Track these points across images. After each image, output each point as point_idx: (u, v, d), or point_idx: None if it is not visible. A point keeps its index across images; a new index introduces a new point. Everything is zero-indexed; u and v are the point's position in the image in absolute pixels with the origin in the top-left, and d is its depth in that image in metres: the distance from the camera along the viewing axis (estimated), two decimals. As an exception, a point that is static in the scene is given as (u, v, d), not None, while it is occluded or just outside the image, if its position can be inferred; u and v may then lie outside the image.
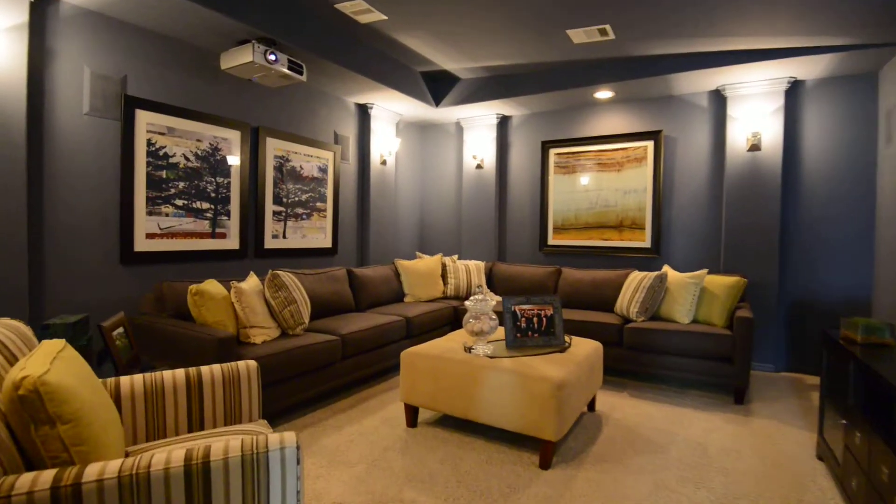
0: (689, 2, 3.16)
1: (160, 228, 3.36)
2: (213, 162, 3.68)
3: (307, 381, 3.00)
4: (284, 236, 4.24)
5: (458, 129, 5.83)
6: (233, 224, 3.82)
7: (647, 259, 4.78)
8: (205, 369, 1.77)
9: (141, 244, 3.27)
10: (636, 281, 4.04)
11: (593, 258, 5.05)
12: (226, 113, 3.79)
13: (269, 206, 4.11)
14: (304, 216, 4.43)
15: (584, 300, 4.49)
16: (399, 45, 4.14)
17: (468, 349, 2.88)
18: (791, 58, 3.73)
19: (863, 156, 4.00)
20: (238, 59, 3.35)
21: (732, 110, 4.32)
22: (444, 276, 4.90)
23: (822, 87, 4.12)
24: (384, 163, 5.24)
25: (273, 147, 4.13)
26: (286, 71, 3.49)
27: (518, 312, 3.07)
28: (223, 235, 3.76)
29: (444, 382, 2.75)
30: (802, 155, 4.20)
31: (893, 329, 2.25)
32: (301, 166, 4.39)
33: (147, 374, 1.67)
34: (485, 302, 2.90)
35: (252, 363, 1.85)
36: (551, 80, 4.63)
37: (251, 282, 3.11)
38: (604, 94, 4.65)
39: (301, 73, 3.60)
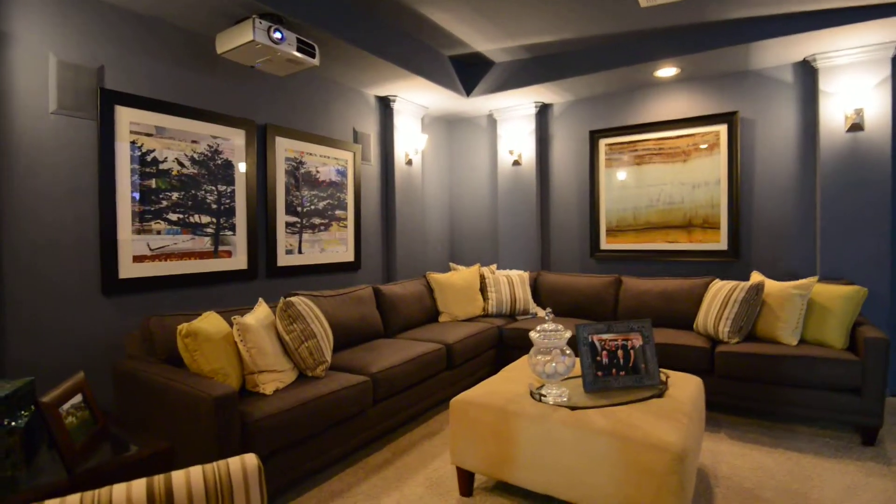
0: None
1: (150, 249, 2.78)
2: (212, 167, 3.09)
3: (332, 437, 2.38)
4: (300, 251, 3.64)
5: (491, 122, 5.18)
6: (239, 240, 3.23)
7: (724, 264, 4.06)
8: (177, 477, 1.14)
9: (127, 269, 2.69)
10: (722, 292, 3.34)
11: (656, 264, 4.35)
12: (227, 108, 3.20)
13: (282, 217, 3.51)
14: (322, 227, 3.83)
15: (653, 316, 3.79)
16: (426, 22, 3.52)
17: (537, 395, 2.23)
18: (903, 15, 3.01)
19: None
20: (236, 39, 2.76)
21: (825, 84, 3.59)
22: (482, 289, 4.25)
23: (944, 48, 3.37)
24: (409, 163, 4.62)
25: (284, 148, 3.54)
26: (295, 53, 2.88)
27: (597, 344, 2.40)
28: (228, 254, 3.17)
29: (509, 444, 2.09)
30: (920, 133, 3.45)
31: None
32: (317, 169, 3.79)
33: (86, 494, 1.06)
34: (557, 333, 2.24)
35: (251, 462, 1.22)
36: (602, 57, 3.95)
37: (259, 313, 2.50)
38: (666, 71, 3.95)
39: (313, 56, 2.99)
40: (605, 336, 2.42)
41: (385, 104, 4.47)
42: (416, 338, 3.43)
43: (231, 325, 2.54)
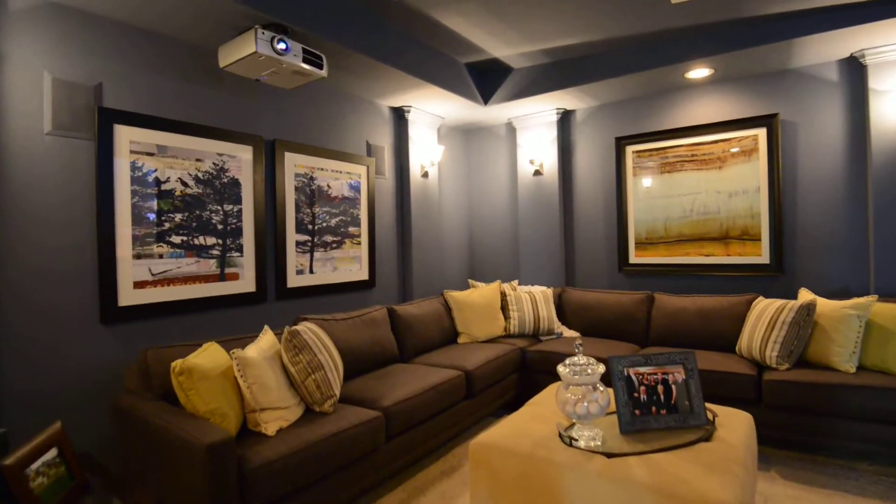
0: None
1: (152, 274, 2.64)
2: (218, 186, 2.95)
3: (341, 481, 2.18)
4: (311, 271, 3.47)
5: (510, 130, 4.96)
6: (247, 261, 3.08)
7: (766, 279, 3.74)
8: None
9: (128, 296, 2.54)
10: (768, 312, 3.04)
11: (690, 279, 4.05)
12: (232, 125, 3.06)
13: (292, 236, 3.35)
14: (335, 245, 3.65)
15: (689, 337, 3.51)
16: (440, 28, 3.33)
17: (567, 438, 1.99)
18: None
19: None
20: (239, 51, 2.61)
21: (876, 82, 3.27)
22: (504, 308, 4.01)
23: None
24: (425, 175, 4.43)
25: (293, 163, 3.38)
26: (301, 65, 2.72)
27: (634, 378, 2.15)
28: (235, 276, 3.02)
29: (537, 496, 1.85)
30: None
31: None
32: (328, 185, 3.63)
33: None
34: (589, 368, 2.00)
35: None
36: (629, 59, 3.70)
37: (264, 342, 2.33)
38: (699, 72, 3.68)
39: (321, 68, 2.83)
40: (642, 369, 2.16)
41: (399, 115, 4.30)
42: (433, 363, 3.22)
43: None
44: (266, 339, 2.38)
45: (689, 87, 4.02)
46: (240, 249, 3.04)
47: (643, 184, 4.21)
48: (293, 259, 3.34)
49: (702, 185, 3.94)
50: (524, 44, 3.60)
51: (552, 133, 4.57)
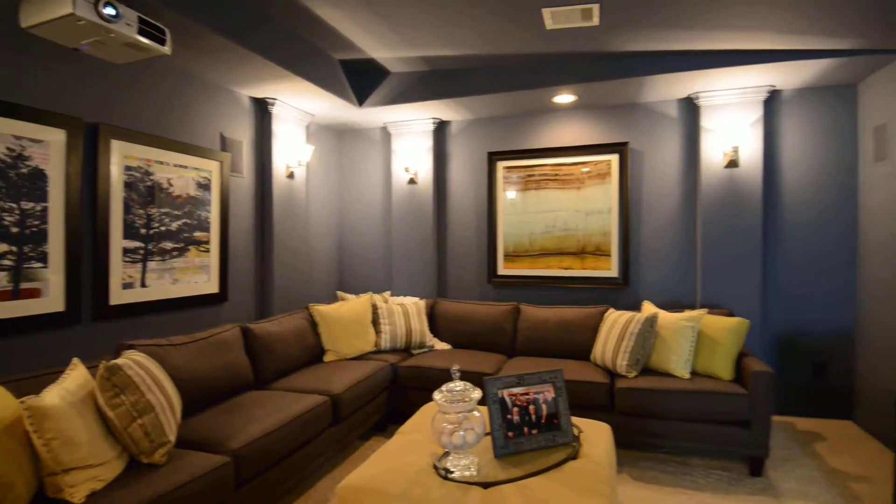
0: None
1: None
2: (14, 178, 2.30)
3: (175, 547, 1.79)
4: (144, 284, 2.90)
5: (385, 135, 4.79)
6: (53, 273, 2.45)
7: (616, 291, 4.09)
8: None
9: None
10: (619, 324, 3.29)
11: (551, 290, 4.27)
12: (38, 101, 2.43)
13: (118, 242, 2.77)
14: (176, 253, 3.12)
15: (551, 347, 3.67)
16: (314, 18, 3.04)
17: (443, 471, 1.87)
18: (772, 63, 3.24)
19: (843, 175, 3.63)
20: (50, 10, 2.04)
21: (706, 121, 3.77)
22: (375, 321, 3.82)
23: (800, 98, 3.71)
24: (291, 176, 4.05)
25: (124, 154, 2.80)
26: (136, 37, 2.24)
27: (508, 400, 2.12)
28: (35, 293, 2.38)
29: (412, 539, 1.71)
30: (782, 173, 3.76)
31: None
32: (170, 182, 3.09)
33: None
34: (465, 394, 1.91)
35: None
36: (503, 78, 3.78)
37: (72, 382, 1.83)
38: (565, 97, 3.90)
39: (163, 43, 2.36)
40: (515, 390, 2.15)
41: (262, 108, 3.87)
42: (294, 388, 2.90)
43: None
44: (75, 377, 1.88)
45: (556, 110, 4.25)
46: (43, 259, 2.41)
47: (512, 198, 4.34)
48: (119, 270, 2.76)
49: (563, 203, 4.19)
50: (403, 48, 3.46)
51: (428, 142, 4.51)
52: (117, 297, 2.74)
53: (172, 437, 1.95)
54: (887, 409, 3.19)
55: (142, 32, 2.26)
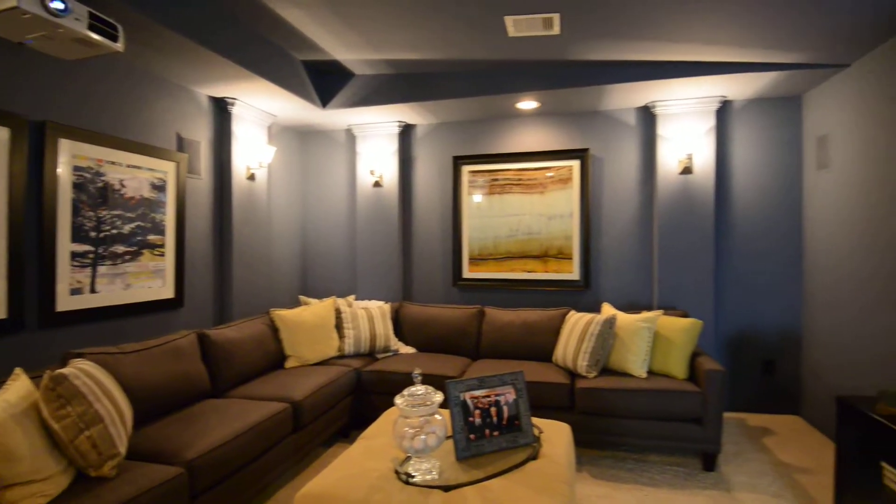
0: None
1: None
2: (-53, 176, 2.17)
3: (125, 563, 1.72)
4: (94, 290, 2.78)
5: (350, 137, 4.75)
6: (-7, 278, 2.32)
7: (577, 293, 4.18)
8: None
9: None
10: (579, 325, 3.37)
11: (515, 293, 4.33)
12: (-24, 96, 2.30)
13: (66, 246, 2.64)
14: (129, 257, 3.00)
15: (515, 349, 3.72)
16: (275, 18, 2.99)
17: (404, 476, 1.87)
18: (724, 74, 3.38)
19: (789, 183, 3.83)
20: (-12, 2, 1.95)
21: (663, 129, 3.91)
22: (339, 326, 3.77)
23: (749, 108, 3.89)
24: (252, 177, 3.96)
25: (72, 153, 2.68)
26: (87, 32, 2.15)
27: (469, 403, 2.14)
28: (-28, 298, 2.25)
29: (372, 545, 1.70)
30: (733, 180, 3.93)
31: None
32: (122, 183, 2.97)
33: None
34: (426, 398, 1.92)
35: None
36: (468, 83, 3.81)
37: (13, 393, 1.74)
38: (528, 104, 3.96)
39: (115, 40, 2.27)
40: (477, 393, 2.17)
41: (221, 107, 3.77)
42: (254, 395, 2.84)
43: (-41, 414, 1.72)
44: (17, 388, 1.78)
45: (519, 116, 4.32)
46: (-18, 263, 2.28)
47: (477, 202, 4.38)
48: (66, 275, 2.63)
49: (526, 207, 4.25)
50: (367, 50, 3.45)
51: (393, 145, 4.50)
52: (65, 303, 2.61)
53: (123, 449, 1.88)
54: (830, 404, 3.37)
55: (92, 28, 2.17)
